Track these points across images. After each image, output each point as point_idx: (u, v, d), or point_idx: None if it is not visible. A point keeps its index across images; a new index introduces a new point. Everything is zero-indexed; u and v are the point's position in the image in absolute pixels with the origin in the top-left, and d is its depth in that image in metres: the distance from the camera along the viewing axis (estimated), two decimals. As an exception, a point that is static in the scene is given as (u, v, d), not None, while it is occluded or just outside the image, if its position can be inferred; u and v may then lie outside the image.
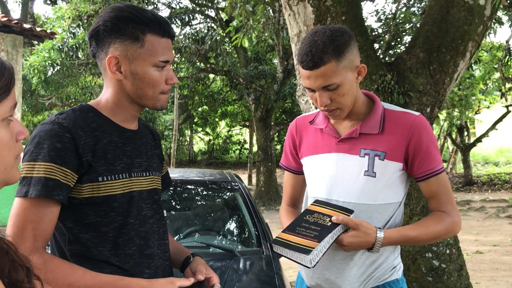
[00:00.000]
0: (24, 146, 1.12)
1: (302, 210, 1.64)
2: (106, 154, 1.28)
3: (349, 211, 1.42)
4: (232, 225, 3.56)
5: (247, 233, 3.30)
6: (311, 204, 1.49)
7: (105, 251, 1.27)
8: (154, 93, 1.32)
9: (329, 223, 1.38)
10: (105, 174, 1.26)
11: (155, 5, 11.19)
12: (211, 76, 15.74)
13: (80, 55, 10.06)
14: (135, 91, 1.31)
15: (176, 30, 12.24)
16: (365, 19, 3.54)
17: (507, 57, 10.97)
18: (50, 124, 1.23)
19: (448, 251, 3.20)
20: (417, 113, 1.53)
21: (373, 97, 1.58)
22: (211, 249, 2.89)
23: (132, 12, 1.28)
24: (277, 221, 8.07)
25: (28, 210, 1.18)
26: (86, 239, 1.26)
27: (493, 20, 3.84)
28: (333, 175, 1.52)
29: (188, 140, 26.75)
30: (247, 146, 23.32)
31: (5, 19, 7.51)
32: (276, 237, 1.43)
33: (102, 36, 1.28)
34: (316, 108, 1.74)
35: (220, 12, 12.44)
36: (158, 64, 1.30)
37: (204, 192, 3.77)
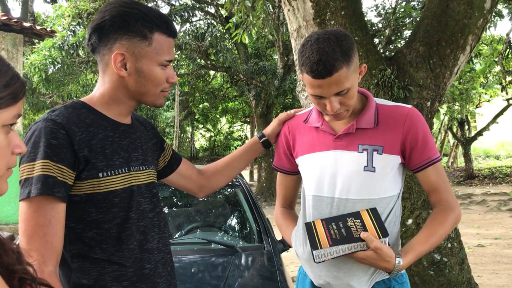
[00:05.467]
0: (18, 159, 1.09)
1: (301, 211, 1.63)
2: (104, 149, 1.27)
3: (384, 234, 1.40)
4: (233, 221, 3.57)
5: (248, 229, 3.30)
6: (365, 210, 1.47)
7: (108, 248, 1.26)
8: (156, 90, 1.34)
9: (357, 235, 1.38)
10: (105, 170, 1.25)
11: (155, 2, 11.17)
12: (212, 72, 15.74)
13: (80, 53, 10.07)
14: (137, 88, 1.31)
15: (176, 27, 12.16)
16: (364, 14, 3.53)
17: (508, 50, 10.96)
18: (43, 121, 1.22)
19: (449, 245, 3.20)
20: (409, 106, 1.54)
21: (365, 93, 1.59)
22: (212, 245, 2.90)
23: (141, 10, 1.29)
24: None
25: (36, 213, 1.16)
26: (89, 238, 1.25)
27: (493, 13, 3.83)
28: (333, 173, 1.52)
29: (190, 136, 26.80)
30: (248, 142, 23.33)
31: (5, 17, 7.51)
32: (313, 220, 1.50)
33: (107, 31, 1.27)
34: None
35: (220, 8, 12.43)
36: (163, 63, 1.31)
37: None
